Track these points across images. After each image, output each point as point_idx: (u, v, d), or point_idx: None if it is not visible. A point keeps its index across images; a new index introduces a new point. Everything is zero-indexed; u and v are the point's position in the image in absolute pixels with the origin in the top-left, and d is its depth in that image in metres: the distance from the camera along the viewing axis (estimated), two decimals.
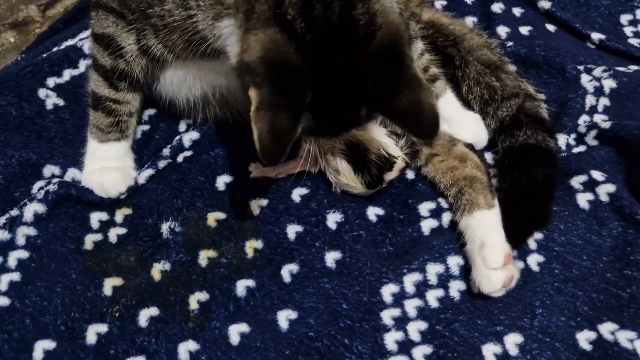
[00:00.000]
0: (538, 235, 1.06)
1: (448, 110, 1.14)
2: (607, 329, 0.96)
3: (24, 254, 1.03)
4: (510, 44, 1.37)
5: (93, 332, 0.96)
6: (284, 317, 0.97)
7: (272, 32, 0.77)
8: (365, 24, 0.78)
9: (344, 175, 1.08)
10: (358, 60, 0.79)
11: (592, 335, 0.96)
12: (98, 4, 1.03)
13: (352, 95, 0.81)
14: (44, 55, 1.31)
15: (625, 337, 0.95)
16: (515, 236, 1.02)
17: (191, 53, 0.96)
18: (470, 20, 1.45)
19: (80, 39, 1.34)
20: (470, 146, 1.13)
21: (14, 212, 1.07)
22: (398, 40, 0.80)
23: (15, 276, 1.01)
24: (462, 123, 1.15)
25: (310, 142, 1.07)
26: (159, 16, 0.91)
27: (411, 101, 0.79)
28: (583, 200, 1.10)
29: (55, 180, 1.11)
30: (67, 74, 1.28)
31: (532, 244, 1.05)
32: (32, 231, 1.05)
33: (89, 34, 1.17)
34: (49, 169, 1.14)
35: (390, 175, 1.08)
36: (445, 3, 1.50)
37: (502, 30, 1.42)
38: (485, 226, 1.01)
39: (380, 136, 1.08)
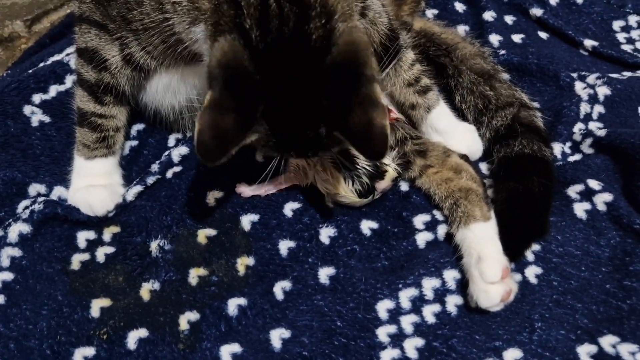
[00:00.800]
0: (535, 247, 1.04)
1: (441, 122, 1.12)
2: (608, 342, 0.94)
3: (8, 276, 1.00)
4: (503, 52, 1.36)
5: (80, 356, 0.93)
6: (277, 336, 0.95)
7: (231, 38, 0.78)
8: (318, 38, 0.78)
9: (335, 185, 1.06)
10: (311, 73, 0.79)
11: (593, 348, 0.93)
12: (81, 18, 1.03)
13: (307, 109, 0.81)
14: (30, 71, 1.29)
15: (626, 350, 0.92)
16: (513, 248, 1.00)
17: (172, 58, 0.95)
18: (462, 29, 1.45)
19: (67, 54, 1.32)
20: (464, 157, 1.11)
21: None
22: (357, 58, 0.79)
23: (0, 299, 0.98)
24: (456, 134, 1.13)
25: None
26: (138, 20, 0.91)
27: (362, 120, 0.78)
28: (580, 210, 1.08)
29: (41, 199, 1.08)
30: (54, 90, 1.25)
31: (529, 255, 1.03)
32: (17, 252, 1.02)
33: (74, 49, 1.15)
34: (35, 188, 1.11)
35: (382, 185, 1.07)
36: (436, 12, 1.49)
37: (495, 39, 1.41)
38: (481, 239, 0.99)
39: None
